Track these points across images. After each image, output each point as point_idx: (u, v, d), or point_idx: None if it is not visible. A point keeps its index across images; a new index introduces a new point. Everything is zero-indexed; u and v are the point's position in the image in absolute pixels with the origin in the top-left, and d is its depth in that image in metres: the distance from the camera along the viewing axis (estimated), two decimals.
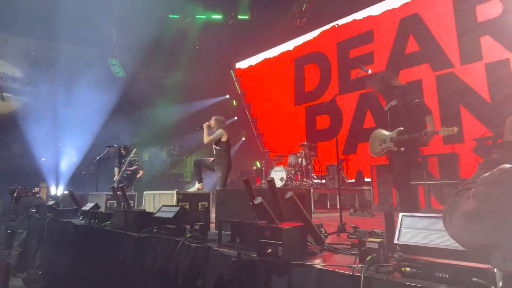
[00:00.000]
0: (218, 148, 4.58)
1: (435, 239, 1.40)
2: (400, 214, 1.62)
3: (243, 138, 13.19)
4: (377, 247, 1.60)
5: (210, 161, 4.67)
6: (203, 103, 12.96)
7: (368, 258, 1.54)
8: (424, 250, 1.42)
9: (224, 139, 4.64)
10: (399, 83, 3.37)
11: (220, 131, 4.63)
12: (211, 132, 4.67)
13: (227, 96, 13.95)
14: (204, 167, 4.82)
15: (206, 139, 4.51)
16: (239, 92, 13.87)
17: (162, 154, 14.59)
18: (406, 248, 1.51)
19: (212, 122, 4.74)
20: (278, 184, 7.40)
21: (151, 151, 14.45)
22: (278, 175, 7.45)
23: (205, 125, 4.62)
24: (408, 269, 1.42)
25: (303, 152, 7.68)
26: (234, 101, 13.97)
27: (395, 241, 1.55)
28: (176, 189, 3.87)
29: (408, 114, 3.03)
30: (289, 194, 1.96)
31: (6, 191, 5.89)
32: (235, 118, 12.78)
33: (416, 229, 1.49)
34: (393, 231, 1.58)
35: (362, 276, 1.43)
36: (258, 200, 1.98)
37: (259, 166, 11.93)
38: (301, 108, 10.91)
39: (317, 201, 7.13)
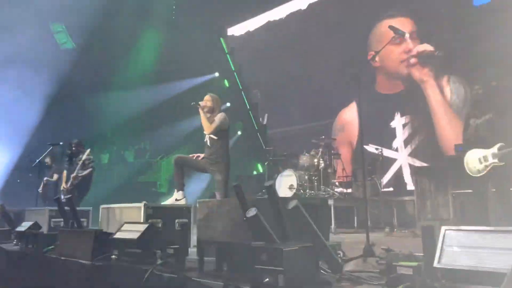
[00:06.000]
0: (216, 138, 4.58)
1: (487, 260, 1.43)
2: (442, 228, 1.65)
3: (239, 132, 13.25)
4: (411, 273, 1.63)
5: (201, 158, 4.68)
6: (182, 85, 12.96)
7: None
8: (474, 276, 1.45)
9: (225, 127, 4.69)
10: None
11: (223, 115, 4.63)
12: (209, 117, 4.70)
13: (216, 74, 13.98)
14: (190, 168, 4.86)
15: (208, 126, 4.54)
16: (233, 69, 13.90)
17: (127, 156, 14.63)
18: (450, 273, 1.54)
19: (208, 102, 4.74)
20: (287, 194, 7.43)
21: (112, 152, 14.48)
22: (287, 181, 7.51)
23: (201, 106, 4.67)
24: None
25: (321, 150, 7.72)
26: (225, 81, 13.99)
27: (435, 265, 1.58)
28: (144, 202, 3.91)
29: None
30: (293, 203, 1.99)
31: None
32: (228, 104, 12.84)
33: (462, 247, 1.52)
34: (432, 251, 1.62)
35: None
36: (252, 212, 2.01)
37: (260, 170, 11.98)
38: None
39: (341, 217, 7.16)
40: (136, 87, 12.73)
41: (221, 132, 4.76)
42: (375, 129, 8.83)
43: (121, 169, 13.79)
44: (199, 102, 4.79)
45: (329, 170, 7.64)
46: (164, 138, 13.65)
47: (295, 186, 7.31)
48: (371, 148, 8.50)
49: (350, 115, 10.14)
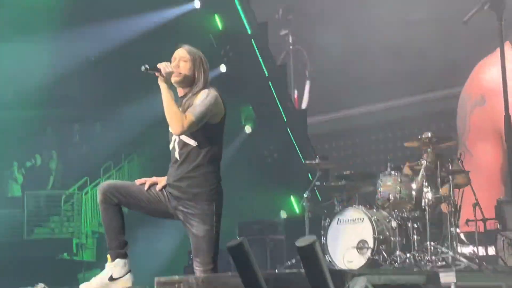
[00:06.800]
0: (194, 145, 4.55)
1: None
2: None
3: (247, 129, 13.42)
4: None
5: (159, 187, 4.67)
6: (123, 28, 13.01)
7: None
8: None
9: (217, 118, 4.63)
10: None
11: (211, 94, 4.60)
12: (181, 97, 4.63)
13: (196, 5, 14.06)
14: (135, 209, 5.01)
15: (178, 118, 4.47)
16: None
17: (9, 185, 14.75)
18: None
19: (181, 62, 4.70)
20: (353, 261, 7.49)
21: None
22: (352, 233, 7.64)
23: (164, 73, 4.61)
24: None
25: (426, 162, 7.70)
26: (216, 18, 14.09)
27: None
28: (42, 284, 3.93)
29: None
30: (358, 284, 1.97)
31: None
32: (222, 68, 12.92)
33: None
34: None
35: None
36: None
37: (296, 210, 12.13)
38: None
39: None
40: (23, 34, 12.89)
41: (207, 129, 4.77)
42: None
43: None
44: (159, 65, 4.78)
45: (444, 208, 7.66)
46: (88, 145, 13.73)
47: (370, 243, 7.38)
48: None
49: (496, 74, 9.89)
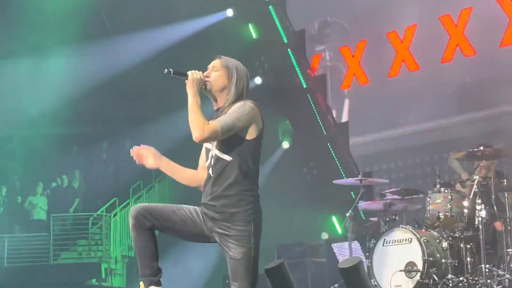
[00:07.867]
0: (228, 160, 4.51)
1: None
2: None
3: (285, 144, 13.31)
4: None
5: (190, 213, 4.61)
6: (153, 39, 13.08)
7: None
8: None
9: (253, 133, 4.56)
10: None
11: (247, 106, 4.54)
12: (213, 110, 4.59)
13: (228, 14, 14.07)
14: (170, 233, 4.91)
15: (202, 126, 4.41)
16: None
17: (32, 207, 14.77)
18: None
19: (216, 73, 4.66)
20: (402, 285, 7.37)
21: None
22: (398, 255, 7.54)
23: (192, 74, 4.55)
24: None
25: (478, 178, 7.59)
26: (250, 27, 14.08)
27: None
28: None
29: None
30: None
31: None
32: (257, 80, 12.90)
33: None
34: None
35: None
36: None
37: (338, 231, 12.09)
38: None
39: None
40: (47, 50, 13.07)
41: (243, 144, 4.73)
42: None
43: (15, 236, 14.13)
44: (189, 72, 4.71)
45: (499, 227, 7.60)
46: (116, 163, 13.76)
47: (419, 266, 7.29)
48: None
49: None
